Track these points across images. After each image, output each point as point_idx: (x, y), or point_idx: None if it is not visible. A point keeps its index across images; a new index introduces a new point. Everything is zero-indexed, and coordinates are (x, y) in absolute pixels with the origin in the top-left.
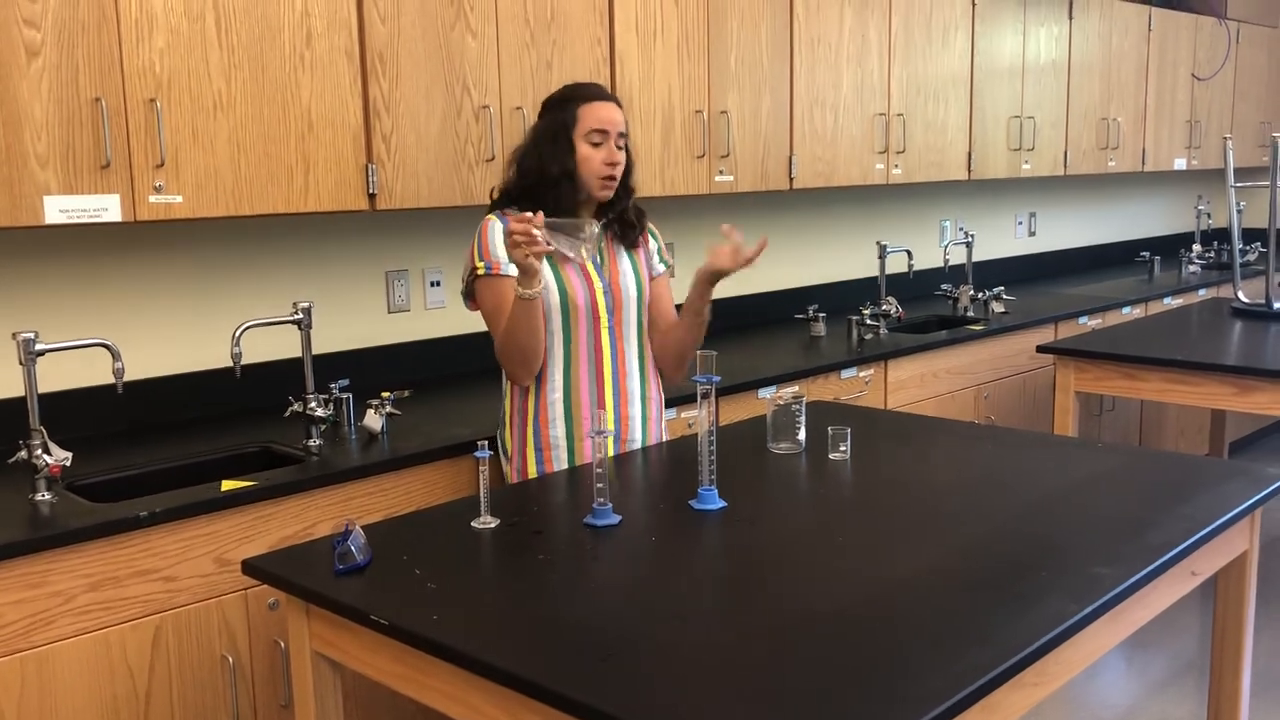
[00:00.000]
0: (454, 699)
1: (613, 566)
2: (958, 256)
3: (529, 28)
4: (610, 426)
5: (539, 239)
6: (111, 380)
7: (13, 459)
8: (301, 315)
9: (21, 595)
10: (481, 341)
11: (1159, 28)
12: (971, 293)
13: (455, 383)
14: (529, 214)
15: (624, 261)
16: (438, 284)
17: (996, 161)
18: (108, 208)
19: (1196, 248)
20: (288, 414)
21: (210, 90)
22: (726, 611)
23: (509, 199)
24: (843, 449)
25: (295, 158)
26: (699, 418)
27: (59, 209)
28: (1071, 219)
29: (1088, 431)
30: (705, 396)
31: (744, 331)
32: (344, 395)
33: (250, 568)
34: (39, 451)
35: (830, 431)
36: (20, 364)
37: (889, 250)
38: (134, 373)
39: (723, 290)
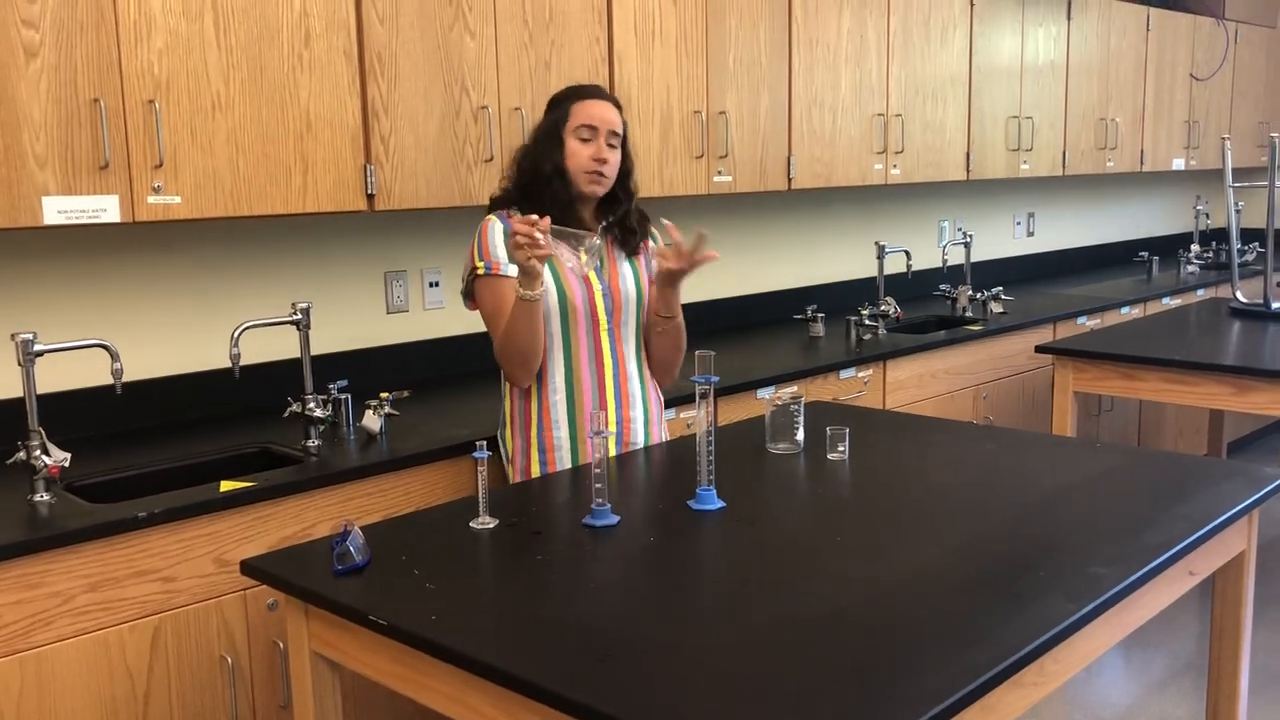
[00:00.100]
0: (452, 699)
1: (611, 567)
2: (956, 257)
3: (527, 28)
4: (611, 427)
5: (542, 242)
6: (110, 381)
7: (11, 460)
8: (300, 316)
9: (20, 596)
10: (481, 342)
11: (1157, 28)
12: (970, 293)
13: (454, 383)
14: (534, 216)
15: (624, 264)
16: (436, 284)
17: (995, 162)
18: (106, 208)
19: (1195, 248)
20: (286, 414)
21: (209, 91)
22: (725, 612)
23: (508, 198)
24: (841, 449)
25: (294, 158)
26: (697, 418)
27: (57, 210)
28: (1070, 219)
29: (1086, 432)
30: (704, 397)
31: (742, 332)
32: (343, 396)
33: (249, 568)
34: (38, 452)
35: (829, 432)
36: (19, 364)
37: (887, 250)
38: (133, 373)
39: (722, 291)
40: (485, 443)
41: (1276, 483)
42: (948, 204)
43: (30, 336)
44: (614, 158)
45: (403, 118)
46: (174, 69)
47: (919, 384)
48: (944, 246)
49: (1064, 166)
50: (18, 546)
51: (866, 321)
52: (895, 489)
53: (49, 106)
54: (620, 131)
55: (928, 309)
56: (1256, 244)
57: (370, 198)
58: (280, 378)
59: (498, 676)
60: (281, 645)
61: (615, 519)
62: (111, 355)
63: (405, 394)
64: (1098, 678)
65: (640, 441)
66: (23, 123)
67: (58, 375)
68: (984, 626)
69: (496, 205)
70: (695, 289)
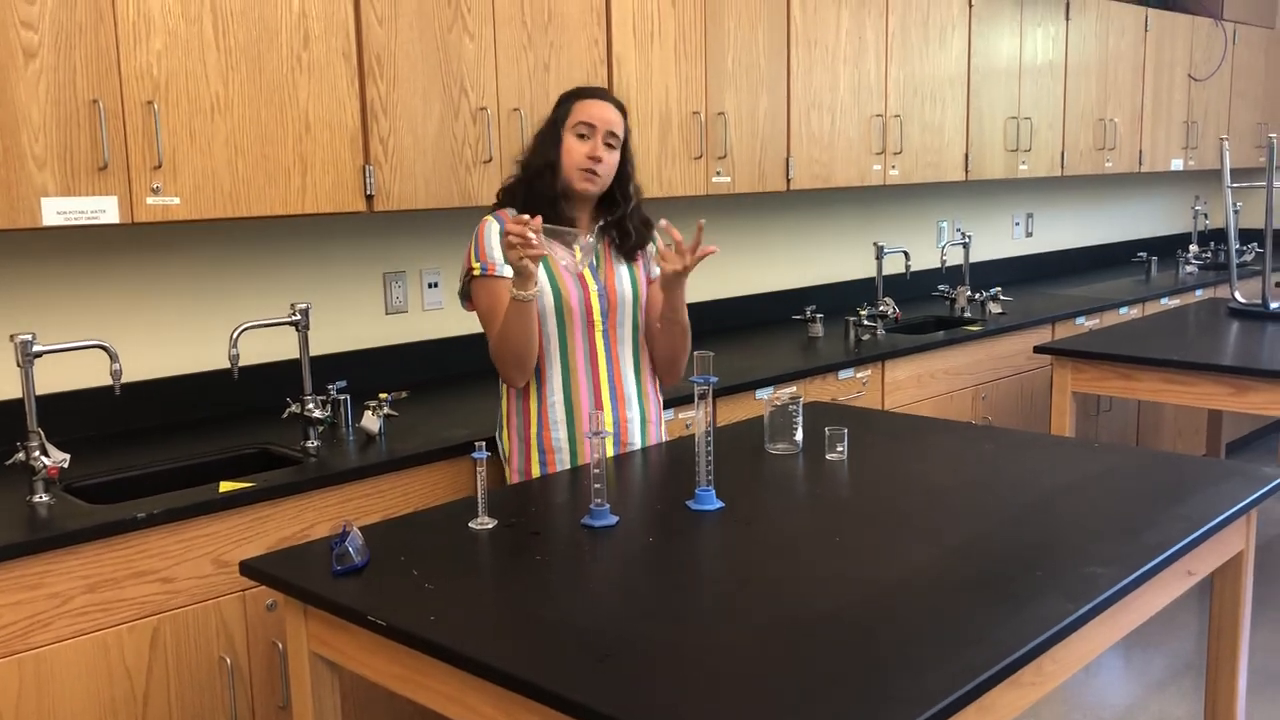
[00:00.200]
0: (451, 700)
1: (610, 567)
2: (955, 257)
3: (526, 29)
4: (608, 428)
5: (534, 241)
6: (109, 382)
7: (10, 460)
8: (299, 317)
9: (19, 597)
10: (479, 343)
11: (1156, 28)
12: (969, 293)
13: (453, 384)
14: (526, 216)
15: (621, 266)
16: (435, 285)
17: (993, 162)
18: (105, 209)
19: (1193, 248)
20: (285, 415)
21: (208, 92)
22: (723, 612)
23: (512, 190)
24: (840, 449)
25: (293, 159)
26: (696, 418)
27: (56, 211)
28: (1068, 220)
29: (1085, 432)
30: (702, 397)
31: (741, 332)
32: (342, 396)
33: (248, 569)
34: (37, 453)
35: (827, 432)
36: (18, 365)
37: (886, 251)
38: (131, 374)
39: (721, 291)
40: (484, 443)
41: (1275, 483)
42: (946, 204)
43: (29, 337)
44: (610, 158)
45: (401, 119)
46: (173, 70)
47: (917, 384)
48: (943, 247)
49: (1062, 167)
50: (17, 547)
51: (865, 322)
52: (894, 489)
53: (48, 108)
54: (620, 133)
55: (926, 309)
56: (1255, 244)
57: (369, 199)
58: (279, 378)
59: (497, 677)
60: (280, 646)
61: (614, 519)
62: (110, 356)
63: (404, 395)
64: (1096, 678)
65: (637, 442)
66: (21, 124)
67: (57, 376)
68: (982, 626)
69: (502, 198)
70: (695, 289)
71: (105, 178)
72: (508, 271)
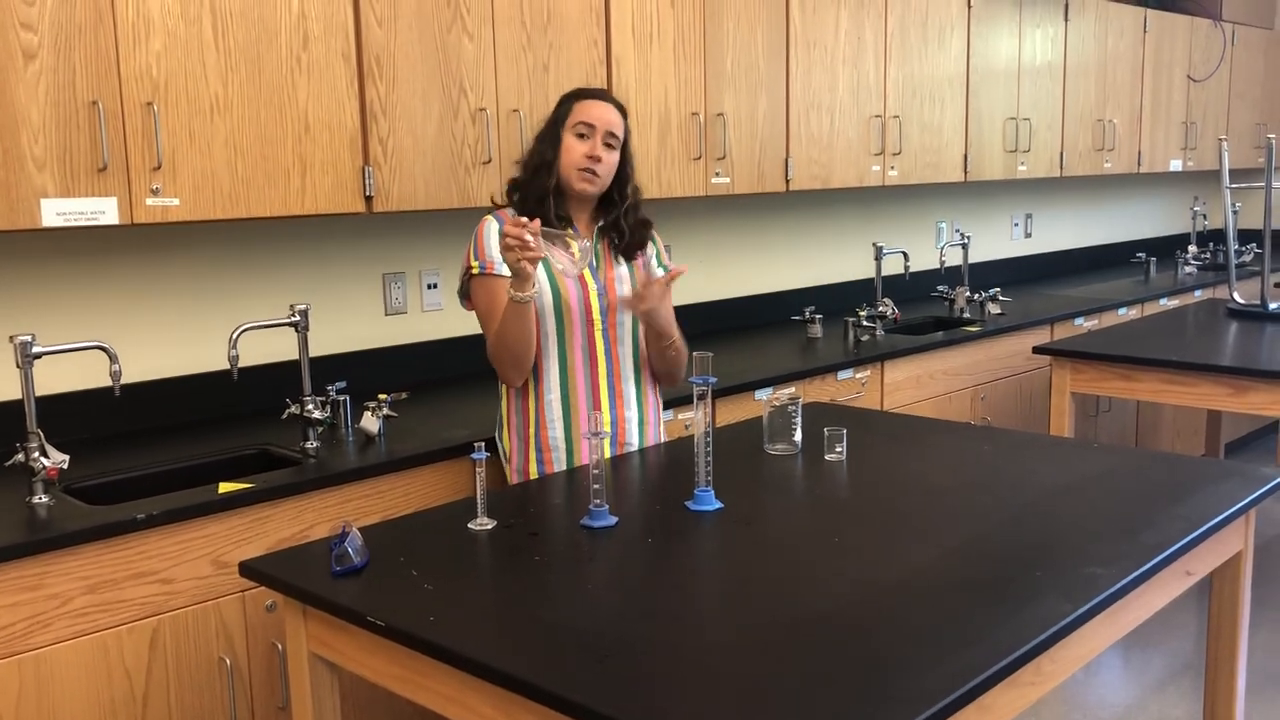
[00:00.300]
0: (451, 700)
1: (609, 568)
2: (954, 258)
3: (525, 30)
4: (606, 428)
5: (532, 244)
6: (109, 383)
7: (10, 462)
8: (299, 317)
9: (19, 598)
10: (479, 344)
11: (1154, 29)
12: (968, 294)
13: (452, 385)
14: (524, 218)
15: (620, 267)
16: (435, 286)
17: (992, 163)
18: (105, 210)
19: (1192, 249)
20: (285, 416)
21: (207, 93)
22: (722, 612)
23: (512, 195)
24: (839, 450)
25: (292, 160)
26: (695, 419)
27: (56, 212)
28: (1067, 220)
29: (1084, 432)
30: (702, 398)
31: (740, 333)
32: (341, 397)
33: (248, 570)
34: (36, 454)
35: (826, 433)
36: (17, 366)
37: (885, 252)
38: (131, 375)
39: (720, 292)
40: (484, 444)
41: (1273, 483)
42: (945, 205)
43: (29, 338)
44: (609, 158)
45: (401, 120)
46: (172, 71)
47: (917, 385)
48: (942, 248)
49: (1061, 168)
50: (16, 548)
51: (864, 323)
52: (893, 490)
53: (47, 109)
54: (619, 134)
55: (925, 310)
56: (1254, 245)
57: (369, 199)
58: (279, 379)
59: (496, 677)
60: (280, 646)
61: (613, 520)
62: (110, 357)
63: (404, 395)
64: (1095, 678)
65: (635, 442)
66: (21, 125)
67: (56, 377)
68: (981, 626)
69: (509, 196)
70: (694, 290)
71: (105, 179)
72: (507, 270)
